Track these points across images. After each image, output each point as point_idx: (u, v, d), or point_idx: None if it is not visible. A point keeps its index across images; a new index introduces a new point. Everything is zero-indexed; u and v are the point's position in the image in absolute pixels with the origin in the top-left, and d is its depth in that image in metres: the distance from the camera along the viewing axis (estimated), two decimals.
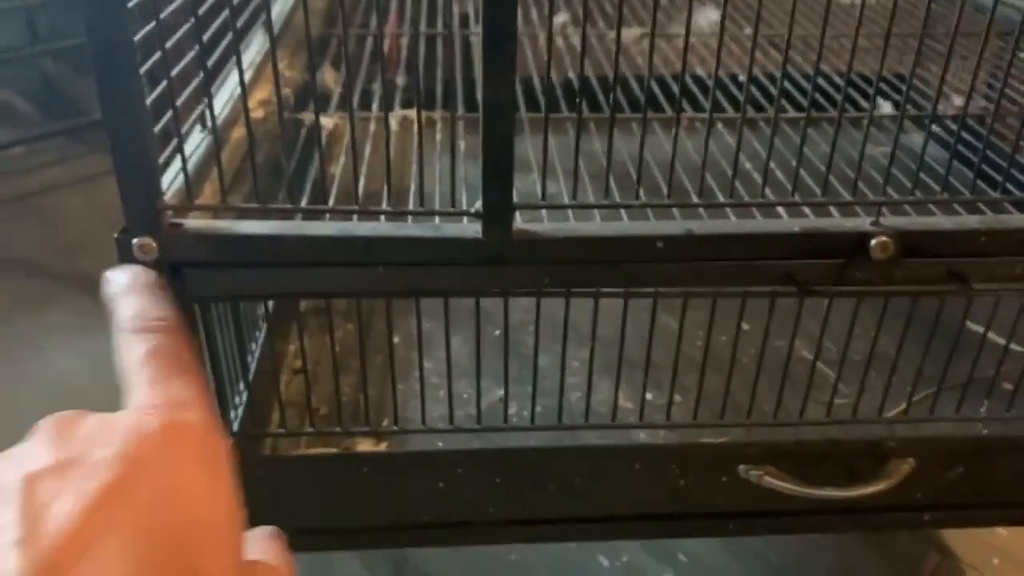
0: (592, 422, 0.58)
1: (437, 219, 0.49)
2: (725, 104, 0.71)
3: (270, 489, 0.55)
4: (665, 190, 0.50)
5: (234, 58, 0.45)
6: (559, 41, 0.89)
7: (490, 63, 0.42)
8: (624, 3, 0.94)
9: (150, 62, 0.43)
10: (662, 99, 0.76)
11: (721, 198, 0.50)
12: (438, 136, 0.70)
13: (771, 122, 0.50)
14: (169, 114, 0.45)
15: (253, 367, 0.58)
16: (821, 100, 0.78)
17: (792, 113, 0.78)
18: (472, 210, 0.47)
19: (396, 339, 0.66)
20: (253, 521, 0.31)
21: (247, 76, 0.63)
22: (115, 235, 0.45)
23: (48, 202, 1.72)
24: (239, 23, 0.60)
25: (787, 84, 0.77)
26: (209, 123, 0.47)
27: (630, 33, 0.90)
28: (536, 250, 0.47)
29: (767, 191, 0.50)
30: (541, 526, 0.60)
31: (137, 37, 0.42)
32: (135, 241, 0.45)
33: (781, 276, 0.49)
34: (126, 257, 0.45)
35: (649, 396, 0.58)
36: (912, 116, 0.86)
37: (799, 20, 0.87)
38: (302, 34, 0.45)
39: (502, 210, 0.46)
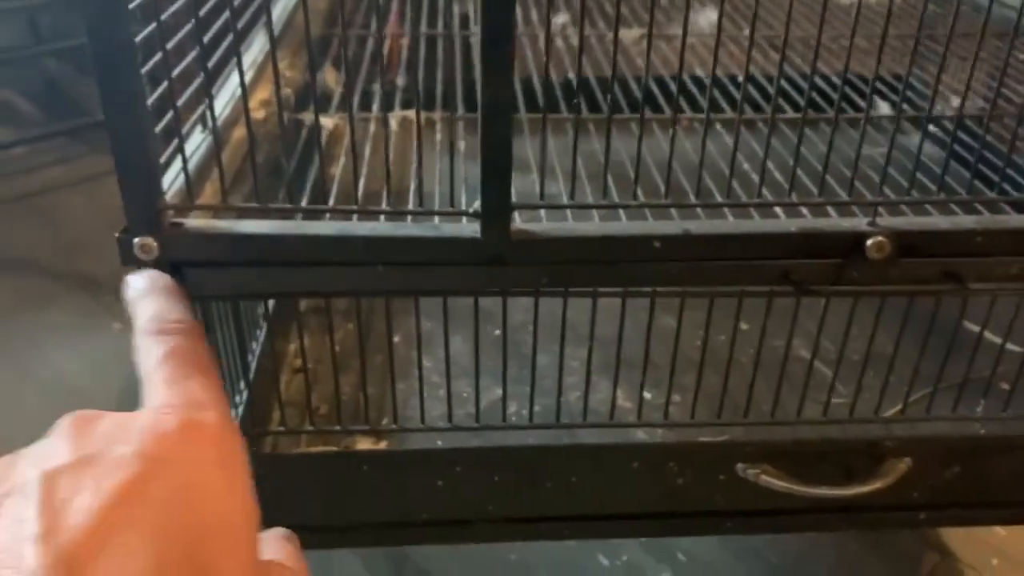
0: (590, 421, 0.58)
1: (436, 219, 0.49)
2: (724, 105, 0.71)
3: (270, 487, 0.55)
4: (663, 190, 0.50)
5: (235, 59, 0.45)
6: (559, 42, 0.89)
7: (488, 63, 0.42)
8: (625, 4, 0.94)
9: (151, 63, 0.44)
10: (661, 100, 0.76)
11: (719, 198, 0.51)
12: (438, 136, 0.70)
13: (768, 123, 0.50)
14: (170, 114, 0.45)
15: (253, 366, 0.58)
16: (819, 101, 0.78)
17: (790, 114, 0.78)
18: (471, 210, 0.47)
19: (396, 338, 0.66)
20: None
21: (248, 76, 0.64)
22: (116, 235, 0.45)
23: (50, 202, 1.73)
24: (240, 24, 0.60)
25: (786, 85, 0.77)
26: (210, 123, 0.48)
27: (630, 34, 0.90)
28: (534, 250, 0.48)
29: (764, 191, 0.51)
30: (540, 524, 0.61)
31: (138, 38, 0.42)
32: (136, 240, 0.45)
33: (778, 276, 0.49)
34: (127, 257, 0.45)
35: (647, 395, 0.59)
36: (909, 117, 0.86)
37: (800, 21, 0.88)
38: (303, 34, 0.46)
39: (500, 210, 0.46)
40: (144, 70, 0.43)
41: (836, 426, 0.58)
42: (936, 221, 0.50)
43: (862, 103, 0.74)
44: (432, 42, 0.84)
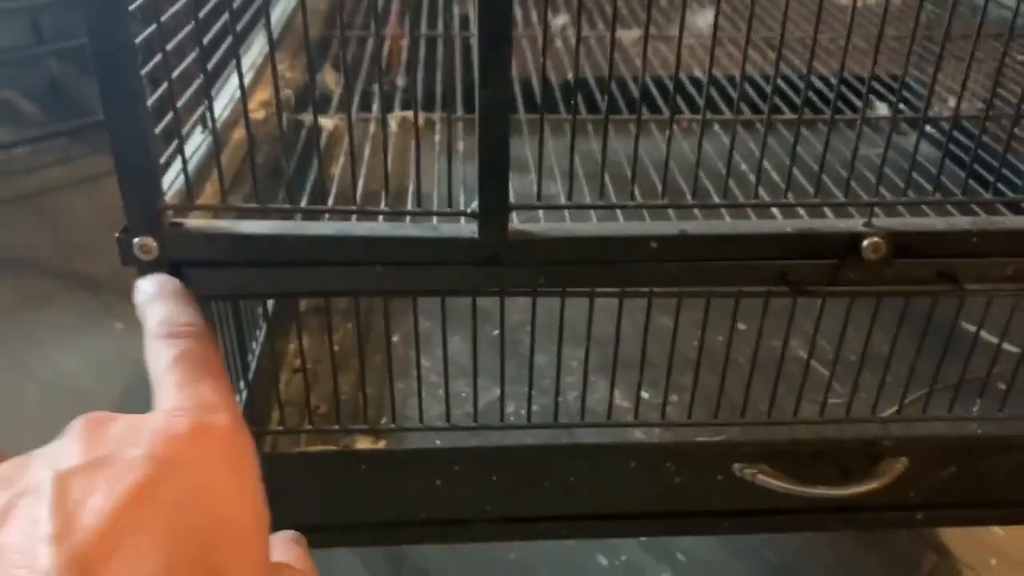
0: (588, 421, 0.58)
1: (434, 219, 0.49)
2: (722, 105, 0.72)
3: (270, 486, 0.55)
4: (660, 191, 0.50)
5: (235, 60, 0.45)
6: (559, 43, 0.89)
7: (486, 64, 0.42)
8: (627, 5, 0.95)
9: (151, 64, 0.44)
10: (659, 100, 0.76)
11: (716, 199, 0.51)
12: (437, 137, 0.71)
13: (765, 124, 0.50)
14: (170, 115, 0.45)
15: (253, 366, 0.58)
16: (817, 102, 0.79)
17: (787, 114, 0.79)
18: (469, 210, 0.47)
19: (395, 338, 0.66)
20: None
21: (248, 77, 0.64)
22: (116, 235, 0.46)
23: (51, 202, 1.73)
24: (241, 25, 0.61)
25: (784, 86, 0.77)
26: (209, 124, 0.48)
27: (630, 34, 0.90)
28: (532, 250, 0.48)
29: (761, 192, 0.51)
30: (537, 523, 0.61)
31: (139, 39, 0.42)
32: (136, 240, 0.45)
33: (774, 276, 0.50)
34: (127, 257, 0.46)
35: (645, 395, 0.59)
36: (906, 118, 0.86)
37: (800, 22, 0.88)
38: (303, 35, 0.46)
39: (498, 210, 0.46)
40: (144, 71, 0.43)
41: (833, 426, 0.59)
42: (932, 222, 0.51)
43: (860, 104, 0.74)
44: (432, 43, 0.84)
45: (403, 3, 0.90)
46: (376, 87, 0.75)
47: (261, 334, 0.61)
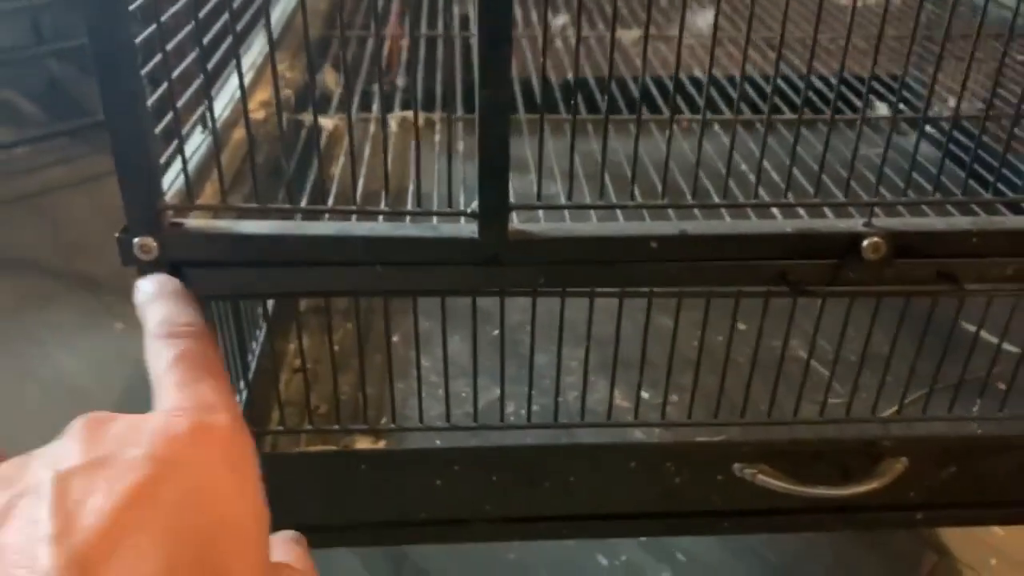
0: (588, 421, 0.58)
1: (434, 219, 0.49)
2: (722, 106, 0.72)
3: (270, 486, 0.55)
4: (660, 191, 0.50)
5: (235, 60, 0.45)
6: (559, 43, 0.89)
7: (486, 64, 0.42)
8: (628, 5, 0.95)
9: (151, 64, 0.44)
10: (660, 101, 0.76)
11: (716, 199, 0.51)
12: (437, 137, 0.71)
13: (766, 123, 0.50)
14: (170, 115, 0.45)
15: (253, 366, 0.58)
16: (817, 102, 0.79)
17: (787, 115, 0.79)
18: (468, 210, 0.47)
19: (395, 338, 0.66)
20: None
21: (249, 77, 0.64)
22: (116, 235, 0.46)
23: (52, 202, 1.73)
24: (241, 25, 0.61)
25: (784, 86, 0.77)
26: (209, 124, 0.48)
27: (630, 35, 0.90)
28: (531, 250, 0.48)
29: (761, 191, 0.51)
30: (537, 524, 0.61)
31: (139, 39, 0.42)
32: (136, 240, 0.45)
33: (774, 276, 0.50)
34: (127, 257, 0.46)
35: (645, 395, 0.59)
36: (906, 118, 0.86)
37: (799, 22, 0.88)
38: (303, 35, 0.46)
39: (498, 210, 0.46)
40: (144, 71, 0.43)
41: (833, 426, 0.59)
42: (932, 222, 0.51)
43: (860, 104, 0.74)
44: (432, 43, 0.84)
45: (403, 3, 0.90)
46: (376, 87, 0.75)
47: (261, 334, 0.61)
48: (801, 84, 0.48)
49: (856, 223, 0.50)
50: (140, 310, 0.38)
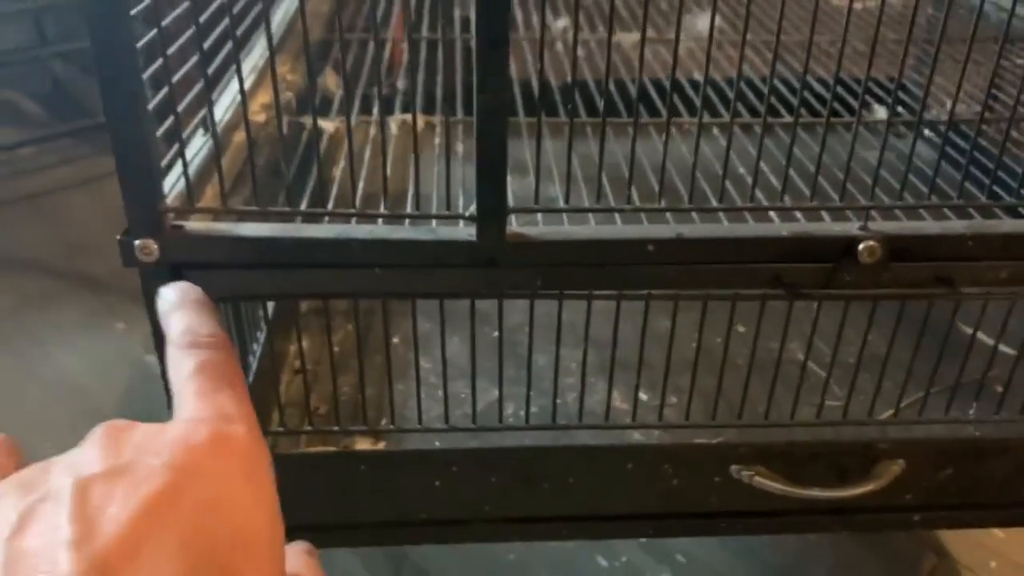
0: (586, 422, 0.58)
1: (433, 222, 0.50)
2: (720, 108, 0.72)
3: None
4: (658, 193, 0.50)
5: (235, 63, 0.46)
6: (559, 45, 0.90)
7: (484, 69, 0.43)
8: (629, 8, 0.95)
9: (153, 67, 0.44)
10: (659, 103, 0.77)
11: (713, 201, 0.51)
12: (437, 140, 0.71)
13: (762, 126, 0.51)
14: (171, 119, 0.46)
15: (254, 367, 0.59)
16: (815, 105, 0.79)
17: (785, 118, 0.79)
18: (467, 213, 0.47)
19: (395, 339, 0.67)
20: None
21: (251, 80, 0.65)
22: (118, 236, 0.46)
23: (55, 202, 1.74)
24: (242, 28, 0.61)
25: (783, 88, 0.77)
26: (210, 127, 0.48)
27: (630, 37, 0.91)
28: (529, 253, 0.48)
29: (758, 194, 0.51)
30: (536, 524, 0.61)
31: (140, 43, 0.43)
32: (137, 242, 0.46)
33: (770, 279, 0.50)
34: (128, 258, 0.46)
35: (643, 397, 0.59)
36: (902, 121, 0.86)
37: (800, 25, 0.88)
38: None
39: (496, 213, 0.47)
40: (146, 75, 0.43)
41: (830, 428, 0.59)
42: (927, 226, 0.51)
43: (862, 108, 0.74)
44: (433, 45, 0.84)
45: (405, 6, 0.90)
46: (376, 90, 0.75)
47: (262, 335, 0.61)
48: (799, 87, 0.49)
49: (852, 227, 0.50)
50: (162, 319, 0.38)
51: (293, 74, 0.73)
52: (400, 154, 0.70)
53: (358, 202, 0.52)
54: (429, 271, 0.49)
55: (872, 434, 0.59)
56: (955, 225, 0.51)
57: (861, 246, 0.49)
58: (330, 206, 0.59)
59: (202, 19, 0.45)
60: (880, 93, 0.83)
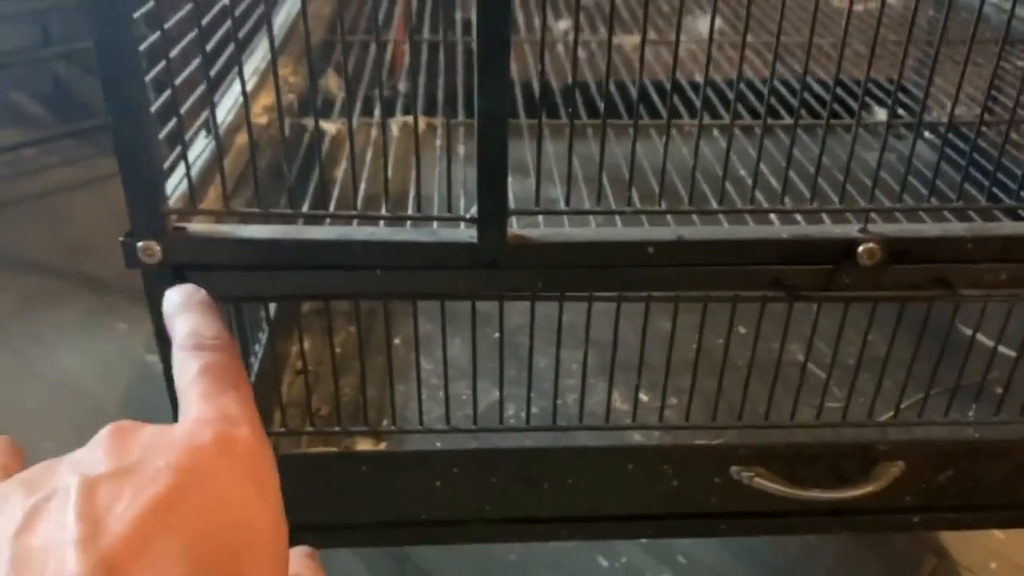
0: (587, 423, 0.59)
1: (434, 224, 0.50)
2: (721, 110, 0.72)
3: None
4: (658, 194, 0.51)
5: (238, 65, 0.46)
6: (560, 47, 0.90)
7: (484, 72, 0.43)
8: (629, 10, 0.95)
9: (156, 70, 0.45)
10: (659, 105, 0.77)
11: (713, 203, 0.51)
12: (438, 141, 0.71)
13: (762, 128, 0.51)
14: (174, 121, 0.46)
15: (256, 368, 0.59)
16: (816, 107, 0.79)
17: (786, 119, 0.79)
18: (468, 215, 0.48)
19: (396, 340, 0.67)
20: None
21: (253, 82, 0.65)
22: (120, 238, 0.46)
23: (57, 202, 1.74)
24: (245, 30, 0.61)
25: (784, 90, 0.78)
26: (212, 129, 0.49)
27: (632, 39, 0.91)
28: (530, 254, 0.48)
29: (758, 196, 0.51)
30: (536, 525, 0.61)
31: (143, 46, 0.43)
32: (139, 244, 0.46)
33: (770, 281, 0.50)
34: (131, 260, 0.46)
35: (644, 398, 0.59)
36: (902, 123, 0.86)
37: (801, 27, 0.88)
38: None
39: (497, 215, 0.47)
40: (149, 77, 0.43)
41: (830, 429, 0.59)
42: (926, 228, 0.51)
43: (863, 110, 0.74)
44: (434, 47, 0.85)
45: (407, 6, 0.91)
46: (377, 91, 0.75)
47: (263, 336, 0.62)
48: (799, 88, 0.49)
49: (851, 229, 0.50)
50: (168, 321, 0.38)
51: (295, 76, 0.73)
52: (401, 156, 0.70)
53: (359, 204, 0.52)
54: (430, 273, 0.49)
55: (872, 435, 0.59)
56: (955, 227, 0.51)
57: (861, 248, 0.49)
58: (332, 208, 0.60)
59: (204, 21, 0.45)
60: (880, 95, 0.83)
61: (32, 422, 1.12)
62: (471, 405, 0.57)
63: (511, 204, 0.47)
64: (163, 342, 0.39)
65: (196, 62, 0.46)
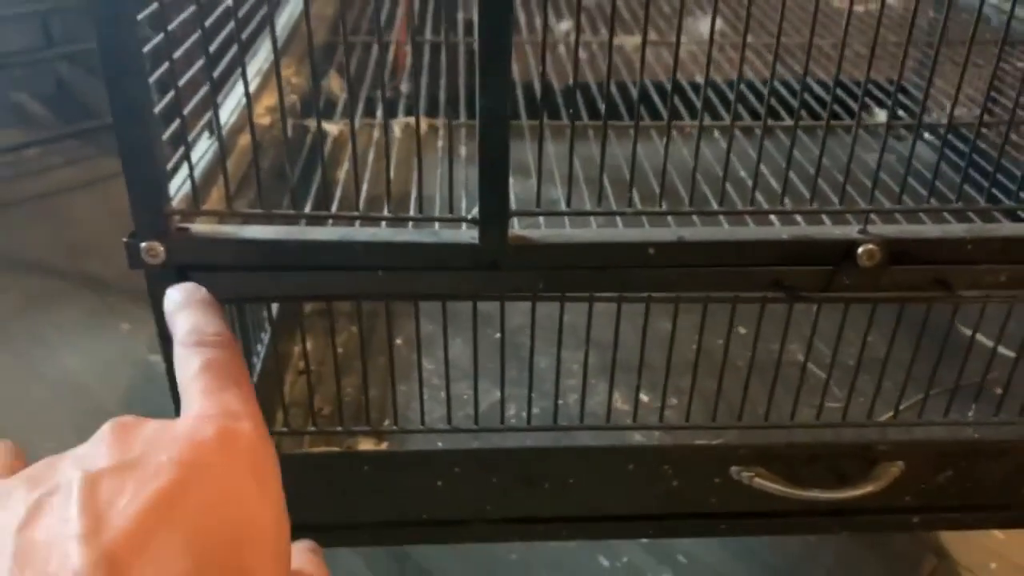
0: (588, 423, 0.59)
1: (436, 225, 0.50)
2: (721, 111, 0.72)
3: None
4: (659, 195, 0.51)
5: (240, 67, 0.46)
6: (561, 48, 0.90)
7: (486, 73, 0.43)
8: (630, 11, 0.95)
9: (159, 71, 0.45)
10: (660, 106, 0.77)
11: (714, 204, 0.52)
12: (440, 142, 0.72)
13: (762, 129, 0.51)
14: (177, 122, 0.46)
15: (258, 368, 0.59)
16: (816, 108, 0.79)
17: (786, 120, 0.79)
18: (469, 216, 0.48)
19: (398, 341, 0.67)
20: None
21: (256, 83, 0.65)
22: (124, 239, 0.46)
23: (60, 203, 1.75)
24: (248, 31, 0.62)
25: (784, 91, 0.78)
26: (215, 130, 0.49)
27: (633, 40, 0.91)
28: (531, 255, 0.49)
29: (758, 197, 0.51)
30: (536, 524, 0.61)
31: (147, 47, 0.43)
32: (143, 245, 0.46)
33: (770, 282, 0.50)
34: (134, 260, 0.46)
35: (644, 398, 0.60)
36: (902, 124, 0.87)
37: (802, 28, 0.88)
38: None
39: (498, 216, 0.47)
40: (152, 78, 0.44)
41: (829, 430, 0.59)
42: (926, 229, 0.51)
43: (863, 111, 0.75)
44: (436, 48, 0.85)
45: (409, 7, 0.91)
46: (379, 92, 0.75)
47: (266, 337, 0.62)
48: (799, 89, 0.49)
49: (851, 230, 0.50)
50: (169, 318, 0.39)
51: (297, 77, 0.73)
52: (403, 157, 0.70)
53: (362, 205, 0.52)
54: (432, 273, 0.49)
55: (872, 436, 0.60)
56: (954, 229, 0.51)
57: (860, 249, 0.49)
58: (334, 209, 0.60)
59: (208, 23, 0.45)
60: (880, 96, 0.84)
61: (34, 422, 1.12)
62: (472, 405, 0.57)
63: (512, 205, 0.47)
64: (166, 342, 0.40)
65: (199, 63, 0.47)
